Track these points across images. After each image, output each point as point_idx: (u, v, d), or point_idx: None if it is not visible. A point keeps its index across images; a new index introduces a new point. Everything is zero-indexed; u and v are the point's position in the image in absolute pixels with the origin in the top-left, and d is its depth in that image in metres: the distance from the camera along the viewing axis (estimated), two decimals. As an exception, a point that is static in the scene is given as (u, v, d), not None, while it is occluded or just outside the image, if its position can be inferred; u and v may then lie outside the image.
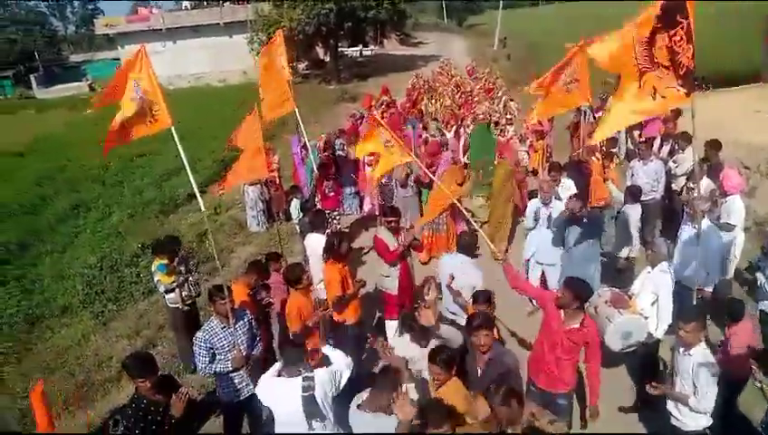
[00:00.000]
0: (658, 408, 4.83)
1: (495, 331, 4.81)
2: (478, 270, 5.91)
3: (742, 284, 7.49)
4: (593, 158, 8.74)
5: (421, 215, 9.57)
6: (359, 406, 3.86)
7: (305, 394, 4.10)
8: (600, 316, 5.35)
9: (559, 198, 7.31)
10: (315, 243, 6.84)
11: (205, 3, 42.23)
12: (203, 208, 5.76)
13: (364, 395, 3.88)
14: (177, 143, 5.16)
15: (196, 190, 5.63)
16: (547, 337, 4.71)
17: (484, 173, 10.59)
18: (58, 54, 63.10)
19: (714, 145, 7.90)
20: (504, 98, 14.22)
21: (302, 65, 34.81)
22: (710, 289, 6.19)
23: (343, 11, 28.46)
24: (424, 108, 15.39)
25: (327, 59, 34.64)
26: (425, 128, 12.74)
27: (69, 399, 6.94)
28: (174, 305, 6.81)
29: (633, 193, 7.50)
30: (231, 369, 5.03)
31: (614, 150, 9.97)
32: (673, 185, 8.66)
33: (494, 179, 9.72)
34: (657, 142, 9.45)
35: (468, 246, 6.12)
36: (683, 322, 4.33)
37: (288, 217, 9.97)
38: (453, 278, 5.65)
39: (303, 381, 4.15)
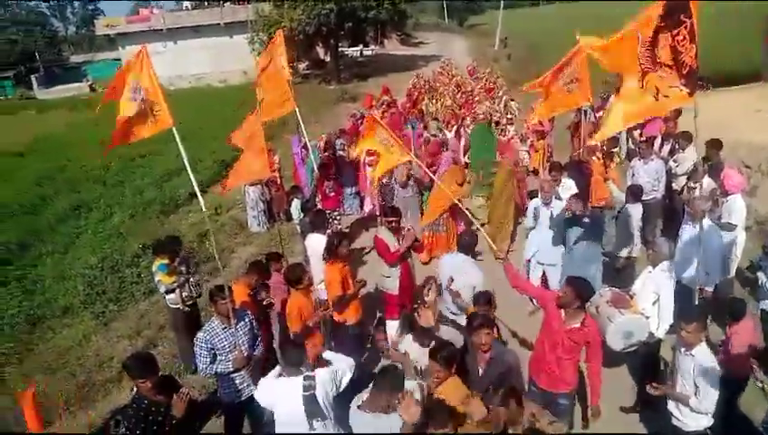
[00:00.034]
0: (659, 408, 4.83)
1: (496, 331, 4.81)
2: (479, 270, 5.92)
3: (743, 283, 7.49)
4: (594, 157, 8.74)
5: (422, 215, 9.55)
6: (359, 406, 3.86)
7: (306, 393, 4.10)
8: (601, 316, 5.35)
9: (559, 198, 7.30)
10: (316, 243, 6.84)
11: (205, 3, 42.22)
12: (204, 208, 5.75)
13: (364, 396, 3.88)
14: (179, 143, 5.16)
15: (197, 190, 5.63)
16: (548, 337, 4.71)
17: (485, 173, 10.59)
18: (58, 55, 63.25)
19: (714, 144, 7.90)
20: (504, 98, 14.23)
21: (302, 65, 34.83)
22: (711, 289, 6.20)
23: (344, 11, 28.46)
24: (425, 108, 15.39)
25: (327, 59, 34.64)
26: (425, 127, 12.73)
27: (70, 399, 6.95)
28: (174, 306, 6.81)
29: (634, 192, 7.49)
30: (232, 369, 5.03)
31: (615, 150, 9.96)
32: (673, 184, 8.66)
33: (495, 179, 9.73)
34: (657, 141, 9.44)
35: (469, 245, 6.12)
36: (684, 322, 4.33)
37: (289, 218, 9.97)
38: (452, 280, 5.65)
39: (304, 380, 4.14)
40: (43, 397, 7.02)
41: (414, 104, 15.74)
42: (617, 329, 5.27)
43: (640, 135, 10.69)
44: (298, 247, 9.25)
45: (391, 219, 6.47)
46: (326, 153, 10.74)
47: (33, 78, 46.61)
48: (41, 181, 18.24)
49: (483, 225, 9.29)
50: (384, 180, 10.33)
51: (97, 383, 7.22)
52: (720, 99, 13.31)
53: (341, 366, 4.47)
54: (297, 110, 8.42)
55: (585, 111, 9.81)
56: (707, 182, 7.24)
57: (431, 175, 8.02)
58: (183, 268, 6.87)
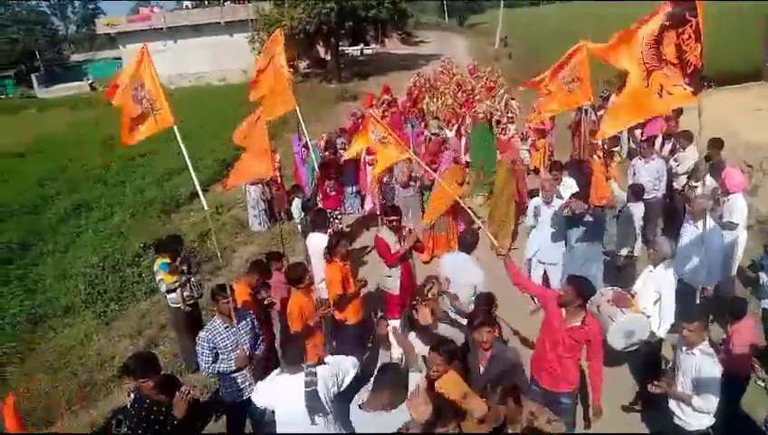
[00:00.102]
0: (661, 407, 4.83)
1: (497, 330, 4.81)
2: (480, 269, 5.92)
3: (744, 282, 7.49)
4: (595, 156, 8.74)
5: (423, 215, 9.55)
6: (360, 406, 3.86)
7: (308, 389, 4.11)
8: (602, 315, 5.35)
9: (561, 198, 7.30)
10: (317, 242, 6.84)
11: (206, 2, 42.20)
12: (206, 207, 5.75)
13: (365, 395, 3.88)
14: (180, 142, 5.17)
15: (198, 189, 5.63)
16: (549, 336, 4.71)
17: (486, 172, 10.60)
18: (59, 54, 63.27)
19: (716, 144, 7.89)
20: (505, 96, 14.19)
21: (302, 64, 34.80)
22: (712, 288, 6.20)
23: (344, 10, 28.43)
24: (425, 107, 15.38)
25: (328, 58, 34.60)
26: (425, 126, 12.73)
27: (72, 398, 6.95)
28: (175, 305, 6.82)
29: (636, 191, 7.48)
30: (234, 368, 5.04)
31: (615, 149, 9.96)
32: (674, 183, 8.65)
33: (495, 178, 9.73)
34: (658, 141, 9.43)
35: (470, 244, 6.12)
36: (686, 321, 4.32)
37: (290, 217, 9.97)
38: (449, 282, 5.64)
39: (306, 376, 4.16)
40: (45, 396, 7.06)
41: (414, 103, 15.72)
42: (618, 328, 5.27)
43: (641, 134, 10.68)
44: (299, 247, 9.25)
45: (392, 218, 6.46)
46: (326, 152, 10.74)
47: (33, 77, 46.68)
48: (42, 181, 18.27)
49: (483, 223, 9.32)
50: (385, 179, 10.34)
51: (98, 383, 7.23)
52: (720, 98, 13.29)
53: (344, 365, 4.48)
54: (298, 109, 8.42)
55: (586, 110, 9.81)
56: (709, 181, 7.24)
57: (431, 173, 8.02)
58: (184, 268, 6.88)
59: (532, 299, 7.13)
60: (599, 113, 11.58)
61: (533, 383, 4.92)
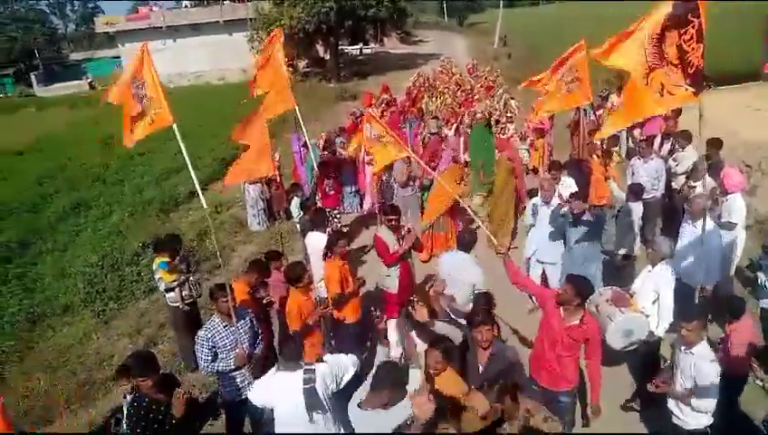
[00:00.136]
0: (660, 406, 4.84)
1: (496, 329, 4.82)
2: (478, 267, 5.93)
3: (743, 282, 7.49)
4: (593, 156, 8.74)
5: (422, 214, 9.55)
6: (359, 404, 3.86)
7: (306, 386, 4.12)
8: (601, 315, 5.35)
9: (561, 198, 7.29)
10: (316, 241, 6.85)
11: (205, 1, 42.20)
12: (205, 206, 5.74)
13: (363, 393, 3.88)
14: (180, 141, 5.16)
15: (198, 188, 5.63)
16: (547, 335, 4.71)
17: (486, 172, 10.61)
18: (58, 53, 63.18)
19: (714, 143, 7.89)
20: (504, 96, 14.19)
21: (302, 63, 34.76)
22: (711, 287, 6.20)
23: (343, 9, 28.41)
24: (424, 106, 15.37)
25: (327, 57, 34.58)
26: (424, 126, 12.74)
27: (71, 397, 6.96)
28: (174, 304, 6.82)
29: (635, 191, 7.49)
30: (233, 367, 5.04)
31: (615, 149, 9.97)
32: (673, 183, 8.65)
33: (495, 177, 9.73)
34: (657, 140, 9.43)
35: (469, 243, 6.12)
36: (684, 320, 4.33)
37: (289, 216, 9.97)
38: (446, 284, 5.64)
39: (305, 373, 4.17)
40: (44, 395, 7.07)
41: (413, 102, 15.72)
42: (617, 328, 5.27)
43: (641, 134, 10.69)
44: (298, 246, 9.26)
45: (391, 218, 6.45)
46: (325, 151, 10.74)
47: (32, 75, 46.65)
48: (41, 180, 18.30)
49: (483, 222, 9.33)
50: (384, 178, 10.34)
51: (97, 382, 7.24)
52: (720, 98, 13.31)
53: (343, 363, 4.48)
54: (297, 108, 8.41)
55: (585, 110, 9.81)
56: (707, 181, 7.24)
57: (430, 171, 8.02)
58: (183, 267, 6.88)
59: (530, 298, 7.14)
60: (598, 113, 11.60)
61: (532, 382, 4.93)
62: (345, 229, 10.07)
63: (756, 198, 9.40)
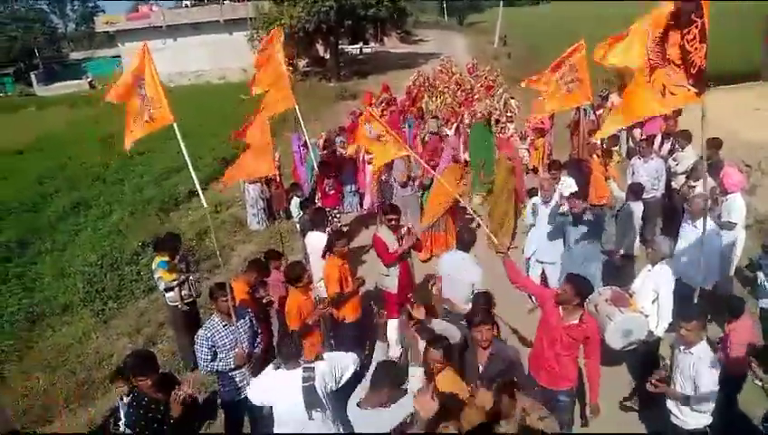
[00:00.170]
0: (659, 406, 4.83)
1: (495, 328, 4.81)
2: (478, 267, 5.92)
3: (742, 282, 7.50)
4: (594, 156, 8.74)
5: (421, 214, 9.55)
6: (358, 404, 3.86)
7: (305, 384, 4.12)
8: (600, 315, 5.35)
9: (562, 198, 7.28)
10: (316, 241, 6.85)
11: (205, 0, 42.16)
12: (205, 205, 5.73)
13: (362, 393, 3.88)
14: (180, 140, 5.16)
15: (198, 188, 5.62)
16: (546, 334, 4.71)
17: (486, 171, 10.61)
18: (58, 52, 63.16)
19: (714, 143, 7.89)
20: (504, 95, 14.20)
21: (302, 63, 34.76)
22: (710, 287, 6.19)
23: (344, 8, 28.40)
24: (424, 105, 15.38)
25: (327, 56, 34.58)
26: (424, 124, 12.74)
27: (70, 397, 6.96)
28: (173, 304, 6.82)
29: (635, 191, 7.49)
30: (233, 367, 5.04)
31: (615, 148, 9.97)
32: (673, 183, 8.66)
33: (495, 177, 9.74)
34: (657, 140, 9.43)
35: (468, 243, 6.12)
36: (684, 320, 4.32)
37: (288, 216, 9.97)
38: (440, 291, 5.64)
39: (304, 371, 4.17)
40: (43, 394, 7.07)
41: (413, 102, 15.72)
42: (616, 328, 5.27)
43: (641, 134, 10.69)
44: (297, 245, 9.26)
45: (391, 217, 6.44)
46: (325, 151, 10.74)
47: (32, 75, 46.63)
48: (41, 179, 18.30)
49: (482, 221, 9.33)
50: (383, 178, 10.34)
51: (97, 381, 7.23)
52: (719, 97, 13.31)
53: (343, 361, 4.49)
54: (297, 107, 8.40)
55: (585, 110, 9.81)
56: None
57: (431, 170, 8.01)
58: (182, 266, 6.88)
59: (530, 298, 7.14)
60: (597, 113, 11.62)
61: (531, 382, 4.93)
62: (345, 229, 10.07)
63: (756, 198, 9.40)
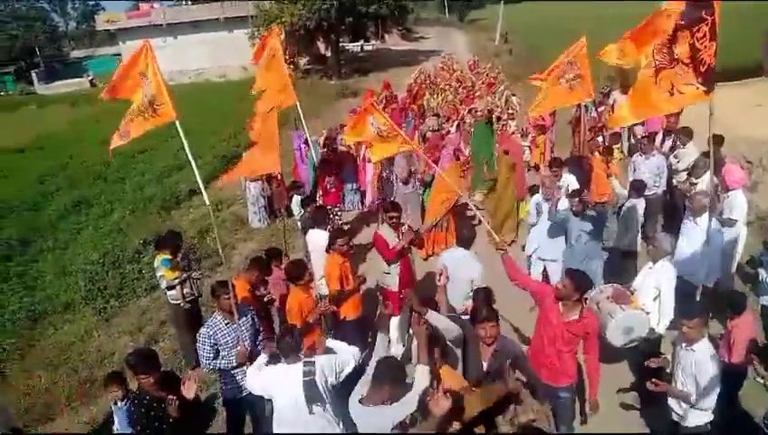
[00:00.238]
0: (660, 404, 4.83)
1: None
2: (478, 263, 5.93)
3: (743, 278, 7.48)
4: (595, 153, 8.73)
5: (422, 211, 9.54)
6: (360, 400, 3.85)
7: (306, 379, 4.13)
8: (601, 312, 5.35)
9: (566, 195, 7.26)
10: (317, 239, 6.85)
11: (205, -2, 42.17)
12: (207, 202, 5.71)
13: (364, 389, 3.88)
14: (183, 137, 5.14)
15: (201, 185, 5.60)
16: (546, 331, 4.71)
17: (489, 169, 10.62)
18: (59, 50, 63.29)
19: (716, 140, 7.86)
20: (505, 93, 14.20)
21: (303, 60, 34.75)
22: (711, 284, 6.18)
23: (344, 6, 28.39)
24: (425, 103, 15.37)
25: (328, 54, 34.58)
26: (423, 121, 12.74)
27: (72, 395, 6.97)
28: (175, 302, 6.82)
29: (637, 187, 7.48)
30: (235, 365, 5.04)
31: (616, 146, 9.96)
32: (674, 180, 8.64)
33: (498, 174, 9.73)
34: (658, 137, 9.42)
35: (468, 240, 6.12)
36: (686, 318, 4.32)
37: (289, 213, 9.97)
38: (448, 278, 5.62)
39: (304, 366, 4.18)
40: (45, 393, 7.08)
41: (414, 99, 15.72)
42: (617, 325, 5.26)
43: (643, 131, 10.67)
44: (298, 243, 9.26)
45: (392, 215, 6.43)
46: (325, 149, 10.73)
47: (33, 73, 46.67)
48: (42, 178, 18.31)
49: (484, 218, 9.33)
50: (384, 175, 10.33)
51: (98, 379, 7.22)
52: (720, 94, 13.30)
53: (344, 355, 4.49)
54: (298, 105, 8.38)
55: (586, 107, 9.80)
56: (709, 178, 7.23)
57: (433, 165, 8.00)
58: (184, 264, 6.88)
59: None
60: (599, 110, 11.61)
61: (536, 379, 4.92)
62: (346, 227, 10.07)
63: (757, 195, 9.39)
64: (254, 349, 5.25)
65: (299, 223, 8.95)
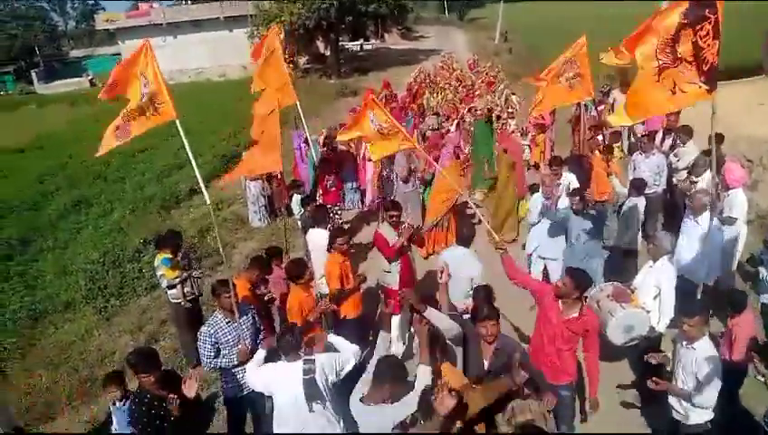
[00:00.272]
0: (660, 402, 4.84)
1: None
2: (478, 261, 5.93)
3: (743, 276, 7.49)
4: (595, 152, 8.73)
5: (422, 210, 9.54)
6: (361, 399, 3.86)
7: (306, 377, 4.14)
8: (602, 311, 5.35)
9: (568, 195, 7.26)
10: (317, 238, 6.85)
11: (205, -3, 42.17)
12: (208, 201, 5.71)
13: (365, 388, 3.88)
14: (183, 136, 5.14)
15: (201, 184, 5.60)
16: (546, 329, 4.71)
17: (489, 167, 10.62)
18: (58, 50, 63.30)
19: (716, 138, 7.85)
20: (505, 91, 14.20)
21: (302, 60, 34.74)
22: (711, 283, 6.19)
23: (344, 5, 28.40)
24: (425, 102, 15.37)
25: (328, 53, 34.56)
26: (422, 120, 12.74)
27: (72, 394, 6.97)
28: (176, 301, 6.83)
29: (637, 186, 7.48)
30: (236, 363, 5.05)
31: (616, 145, 9.96)
32: (674, 179, 8.65)
33: (498, 173, 9.73)
34: (658, 136, 9.42)
35: (467, 238, 6.12)
36: (686, 316, 4.32)
37: (290, 213, 9.97)
38: (447, 284, 5.62)
39: (304, 364, 4.18)
40: (46, 392, 7.08)
41: (414, 98, 15.72)
42: (618, 323, 5.27)
43: (643, 130, 10.67)
44: (298, 242, 9.26)
45: (393, 214, 6.44)
46: (325, 148, 10.73)
47: (33, 73, 46.67)
48: (42, 177, 18.30)
49: (484, 217, 9.33)
50: (384, 173, 10.33)
51: (99, 378, 7.21)
52: (723, 93, 13.30)
53: (344, 353, 4.49)
54: (298, 104, 8.38)
55: (586, 105, 9.80)
56: (709, 176, 7.23)
57: (434, 163, 7.99)
58: (184, 263, 6.88)
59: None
60: (599, 108, 11.60)
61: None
62: (346, 226, 10.07)
63: (758, 193, 9.40)
64: (255, 348, 5.25)
65: (299, 222, 8.95)
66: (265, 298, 5.98)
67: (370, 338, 6.53)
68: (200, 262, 9.53)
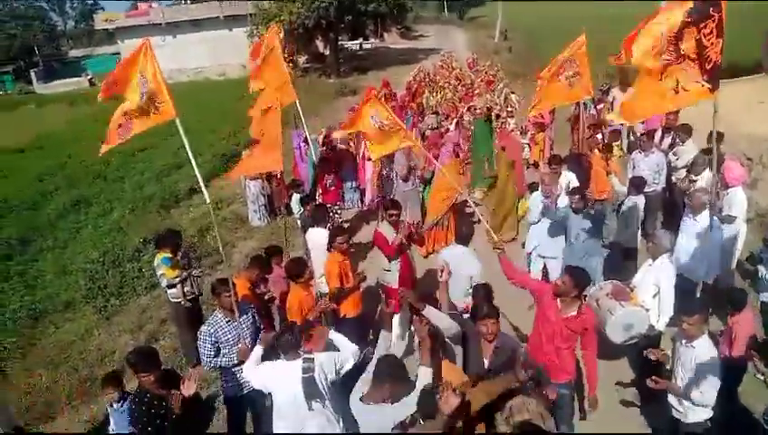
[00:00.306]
0: (659, 400, 4.84)
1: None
2: (477, 260, 5.94)
3: (743, 275, 7.49)
4: (595, 150, 8.74)
5: (422, 209, 9.54)
6: (361, 398, 3.86)
7: (305, 375, 4.14)
8: (601, 309, 5.35)
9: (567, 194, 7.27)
10: (317, 237, 6.86)
11: (204, -3, 42.15)
12: (208, 201, 5.70)
13: (365, 387, 3.89)
14: (183, 135, 5.13)
15: (201, 183, 5.59)
16: (545, 328, 4.72)
17: (489, 166, 10.62)
18: (57, 49, 63.24)
19: (716, 137, 7.87)
20: (505, 90, 14.20)
21: (302, 59, 34.72)
22: (711, 281, 6.19)
23: (343, 4, 28.37)
24: (425, 101, 15.36)
25: (327, 52, 34.54)
26: (421, 119, 12.73)
27: (72, 393, 6.98)
28: (176, 300, 6.83)
29: (636, 184, 7.48)
30: (236, 362, 5.04)
31: (616, 143, 9.95)
32: (673, 177, 8.65)
33: (498, 172, 9.73)
34: (658, 134, 9.42)
35: (467, 237, 6.12)
36: (686, 314, 4.32)
37: (289, 212, 9.97)
38: (447, 283, 5.62)
39: (303, 362, 4.18)
40: (46, 391, 7.09)
41: (414, 97, 15.71)
42: (617, 322, 5.27)
43: (642, 128, 10.67)
44: (298, 241, 9.26)
45: (392, 213, 6.43)
46: (325, 147, 10.74)
47: (32, 73, 46.64)
48: (41, 177, 18.32)
49: (483, 216, 9.33)
50: (384, 172, 10.33)
51: (99, 378, 7.21)
52: (724, 91, 13.29)
53: (344, 352, 4.50)
54: (298, 103, 8.38)
55: (585, 104, 9.80)
56: (709, 175, 7.23)
57: (434, 161, 7.99)
58: (184, 262, 6.88)
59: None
60: (598, 107, 11.61)
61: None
62: (346, 225, 10.07)
63: (757, 192, 9.40)
64: (255, 346, 5.26)
65: (299, 221, 8.95)
66: (265, 297, 5.99)
67: (370, 337, 6.53)
68: (200, 261, 9.53)
